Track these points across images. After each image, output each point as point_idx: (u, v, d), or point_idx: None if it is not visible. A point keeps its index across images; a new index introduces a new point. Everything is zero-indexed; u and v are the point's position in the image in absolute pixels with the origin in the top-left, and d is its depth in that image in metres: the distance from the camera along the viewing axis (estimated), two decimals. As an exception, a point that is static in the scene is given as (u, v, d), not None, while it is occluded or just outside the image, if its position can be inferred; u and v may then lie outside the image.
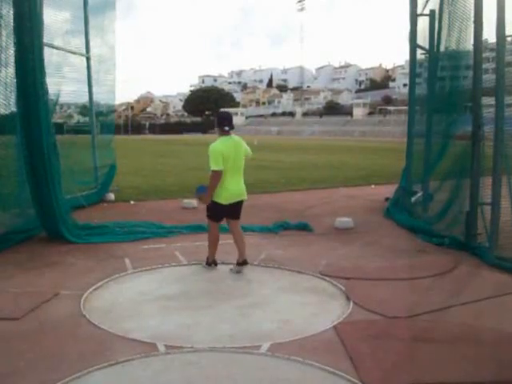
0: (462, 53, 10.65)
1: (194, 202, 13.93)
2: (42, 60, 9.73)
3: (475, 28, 9.25)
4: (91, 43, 14.83)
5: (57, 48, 12.65)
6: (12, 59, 9.49)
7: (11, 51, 9.44)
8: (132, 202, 15.26)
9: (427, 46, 12.78)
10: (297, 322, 6.02)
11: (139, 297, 6.95)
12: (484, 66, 9.43)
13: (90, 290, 7.08)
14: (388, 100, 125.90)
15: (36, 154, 9.51)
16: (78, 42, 14.37)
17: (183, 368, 4.88)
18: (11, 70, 9.57)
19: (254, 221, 11.16)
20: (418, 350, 5.17)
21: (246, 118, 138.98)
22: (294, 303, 6.69)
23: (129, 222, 11.41)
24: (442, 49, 12.10)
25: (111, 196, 15.48)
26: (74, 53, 14.03)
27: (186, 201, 14.21)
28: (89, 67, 14.81)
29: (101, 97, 15.64)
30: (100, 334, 5.67)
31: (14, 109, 9.76)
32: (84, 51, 14.63)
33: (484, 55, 9.39)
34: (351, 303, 6.56)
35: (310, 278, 7.76)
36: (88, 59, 14.75)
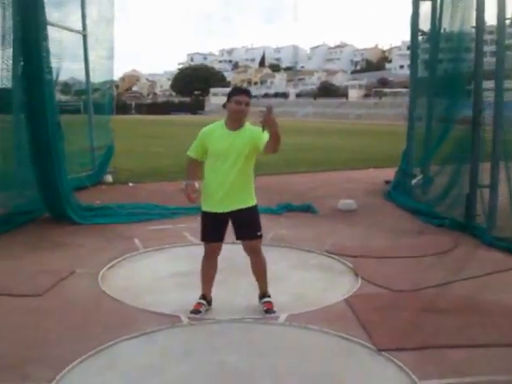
0: (463, 35, 11.05)
1: (195, 184, 14.39)
2: (46, 38, 9.94)
3: (477, 10, 9.68)
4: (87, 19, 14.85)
5: (57, 26, 12.59)
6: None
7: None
8: (131, 184, 15.68)
9: (427, 29, 13.26)
10: (310, 296, 6.57)
11: (154, 274, 7.45)
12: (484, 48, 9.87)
13: (105, 268, 7.51)
14: (384, 82, 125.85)
15: (40, 134, 9.75)
16: (73, 18, 14.37)
17: (208, 337, 5.42)
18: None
19: (257, 202, 11.60)
20: (425, 319, 5.73)
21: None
22: (305, 279, 7.26)
23: (131, 204, 11.82)
24: (443, 31, 12.56)
25: (109, 178, 15.77)
26: (71, 30, 14.07)
27: (185, 182, 14.61)
28: (85, 45, 14.88)
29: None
30: (123, 307, 6.14)
31: (7, 86, 9.99)
32: (80, 28, 14.68)
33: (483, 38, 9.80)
34: (359, 279, 7.13)
35: (318, 256, 8.33)
36: (85, 37, 14.83)
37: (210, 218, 5.90)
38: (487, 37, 9.92)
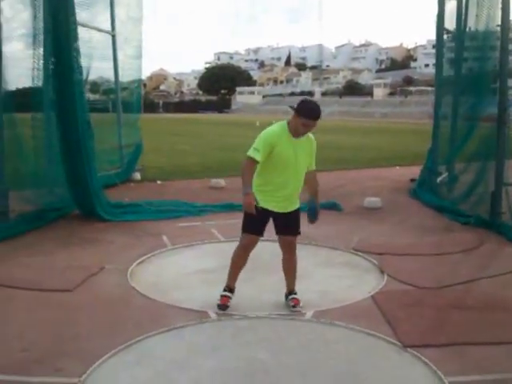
0: (489, 34, 10.99)
1: (222, 182, 14.53)
2: (76, 38, 9.97)
3: (502, 9, 9.64)
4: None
5: (86, 26, 12.56)
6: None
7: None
8: (159, 182, 15.75)
9: (452, 28, 13.19)
10: (336, 293, 6.57)
11: (182, 270, 7.49)
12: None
13: (134, 264, 7.56)
14: (409, 80, 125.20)
15: (70, 133, 9.81)
16: (102, 19, 14.43)
17: (236, 332, 5.45)
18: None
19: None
20: (450, 316, 5.71)
21: (264, 97, 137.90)
22: (331, 276, 7.26)
23: (160, 201, 11.89)
24: (468, 30, 12.49)
25: (137, 175, 15.89)
26: (99, 30, 14.06)
27: (213, 180, 14.78)
28: (114, 45, 14.98)
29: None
30: (152, 303, 6.19)
31: (39, 85, 10.10)
32: (110, 29, 14.77)
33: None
34: (385, 276, 7.12)
35: (343, 253, 8.33)
36: (113, 37, 14.93)
37: (262, 213, 5.78)
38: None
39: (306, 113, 5.53)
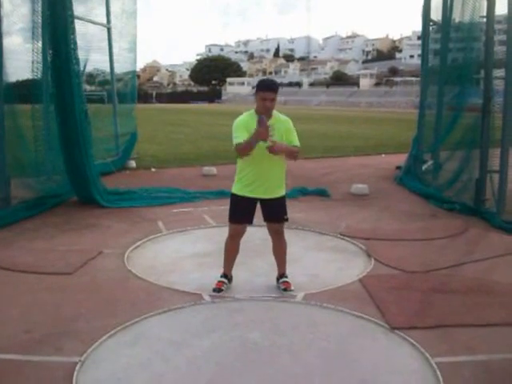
0: (474, 25, 10.96)
1: (213, 169, 14.55)
2: (73, 31, 9.90)
3: (488, 0, 9.67)
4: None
5: (83, 19, 12.58)
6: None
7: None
8: (153, 170, 15.77)
9: (438, 19, 13.18)
10: (325, 276, 6.59)
11: (177, 254, 7.49)
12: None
13: (131, 248, 7.58)
14: (394, 71, 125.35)
15: (69, 122, 9.79)
16: (97, 12, 14.43)
17: (229, 314, 5.47)
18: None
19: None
20: (437, 299, 5.74)
21: (253, 87, 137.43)
22: (320, 260, 7.29)
23: (155, 188, 11.92)
24: (453, 21, 12.49)
25: (132, 163, 15.91)
26: (95, 23, 14.02)
27: (206, 168, 14.80)
28: (110, 38, 14.97)
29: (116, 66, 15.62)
30: (148, 285, 6.20)
31: (38, 77, 10.10)
32: (105, 21, 14.76)
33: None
34: (372, 260, 7.15)
35: (332, 238, 8.34)
36: (109, 30, 14.91)
37: (244, 201, 5.85)
38: (496, 26, 9.87)
39: (259, 85, 5.58)
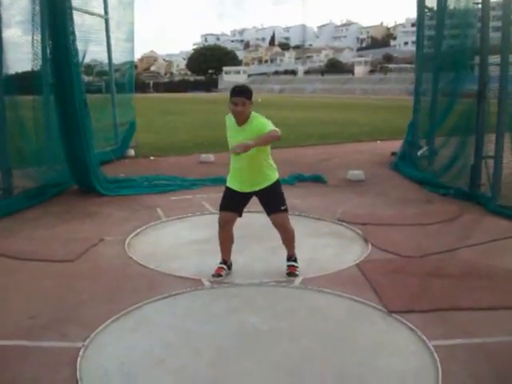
0: (468, 11, 10.95)
1: (211, 157, 14.55)
2: (72, 22, 9.89)
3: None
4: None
5: (80, 11, 12.57)
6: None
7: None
8: (152, 158, 15.74)
9: (432, 5, 13.14)
10: (323, 261, 6.62)
11: (177, 241, 7.51)
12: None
13: (131, 235, 7.60)
14: (389, 58, 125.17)
15: (69, 112, 9.77)
16: (95, 4, 14.30)
17: (228, 299, 5.49)
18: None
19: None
20: (433, 283, 5.76)
21: (249, 76, 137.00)
22: (317, 245, 7.30)
23: (154, 176, 11.93)
24: (448, 8, 12.44)
25: (131, 152, 15.90)
26: (92, 14, 13.93)
27: (203, 155, 14.81)
28: (107, 28, 14.92)
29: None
30: (149, 272, 6.22)
31: (38, 69, 10.10)
32: (102, 12, 14.69)
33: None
34: (369, 245, 7.16)
35: (329, 223, 8.37)
36: (106, 20, 14.85)
37: (231, 191, 5.99)
38: (491, 13, 9.82)
39: (231, 91, 5.65)
